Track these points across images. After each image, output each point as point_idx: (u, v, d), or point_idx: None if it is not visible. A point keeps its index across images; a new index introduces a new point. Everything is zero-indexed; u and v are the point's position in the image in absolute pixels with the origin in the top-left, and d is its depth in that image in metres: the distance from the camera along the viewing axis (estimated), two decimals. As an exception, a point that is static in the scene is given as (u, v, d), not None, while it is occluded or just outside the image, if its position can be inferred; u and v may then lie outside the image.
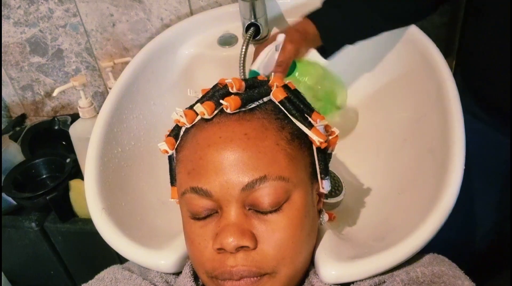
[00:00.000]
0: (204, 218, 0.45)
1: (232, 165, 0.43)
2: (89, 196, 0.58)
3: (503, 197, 0.72)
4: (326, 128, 0.50)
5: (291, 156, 0.46)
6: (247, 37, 0.75)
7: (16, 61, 1.09)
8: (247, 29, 0.78)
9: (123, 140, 0.69)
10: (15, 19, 1.03)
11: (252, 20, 0.78)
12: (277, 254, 0.44)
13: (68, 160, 0.91)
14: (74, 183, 0.88)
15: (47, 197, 0.85)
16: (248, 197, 0.44)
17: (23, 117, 1.14)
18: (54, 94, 0.80)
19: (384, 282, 0.46)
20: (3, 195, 0.90)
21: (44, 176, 0.95)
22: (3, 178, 0.92)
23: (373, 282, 0.46)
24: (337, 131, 0.50)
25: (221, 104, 0.46)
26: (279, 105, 0.48)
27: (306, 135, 0.48)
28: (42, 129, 1.05)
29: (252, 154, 0.44)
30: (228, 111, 0.46)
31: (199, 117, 0.47)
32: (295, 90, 0.51)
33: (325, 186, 0.50)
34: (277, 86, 0.49)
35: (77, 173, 0.91)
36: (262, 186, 0.43)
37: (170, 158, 0.52)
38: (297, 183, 0.46)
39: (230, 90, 0.48)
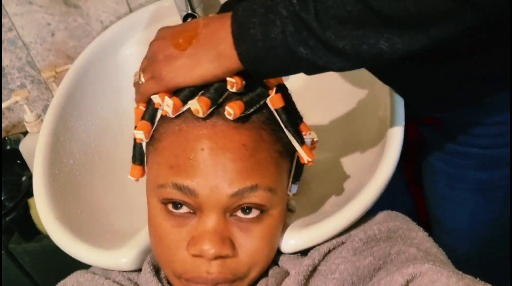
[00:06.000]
0: (179, 216, 0.44)
1: (226, 172, 0.42)
2: (41, 209, 0.57)
3: None
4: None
5: (279, 167, 0.46)
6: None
7: (-43, 85, 1.06)
8: (184, 20, 0.77)
9: (72, 148, 0.68)
10: (-52, 42, 0.99)
11: (189, 11, 0.77)
12: (251, 261, 0.45)
13: (24, 178, 0.89)
14: (33, 201, 0.86)
15: (7, 219, 0.83)
16: (233, 204, 0.43)
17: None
18: (-4, 112, 0.78)
19: (343, 243, 0.48)
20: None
21: (1, 198, 0.92)
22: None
23: (331, 244, 0.48)
24: (315, 137, 0.49)
25: (216, 101, 0.43)
26: (275, 113, 0.46)
27: (294, 147, 0.48)
28: (-7, 151, 1.02)
29: (247, 164, 0.43)
30: (230, 118, 0.43)
31: (185, 108, 0.44)
32: (286, 89, 0.49)
33: (292, 189, 0.51)
34: (275, 91, 0.46)
35: (36, 190, 0.89)
36: (251, 195, 0.43)
37: None
38: (281, 196, 0.46)
39: (230, 89, 0.44)
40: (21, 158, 0.88)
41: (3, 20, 0.96)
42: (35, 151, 0.63)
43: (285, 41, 0.38)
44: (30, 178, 0.88)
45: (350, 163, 0.62)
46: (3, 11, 0.95)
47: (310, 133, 0.48)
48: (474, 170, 0.64)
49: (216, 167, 0.42)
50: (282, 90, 0.48)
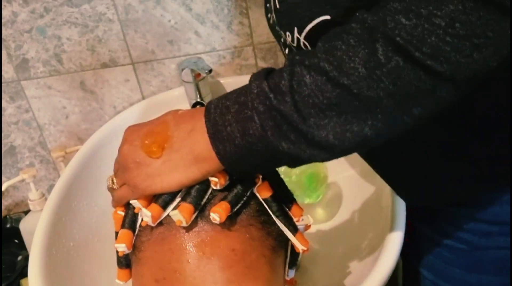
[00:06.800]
0: None
1: (215, 283, 0.40)
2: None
3: None
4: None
5: (273, 265, 0.43)
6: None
7: (-33, 162, 1.08)
8: (193, 107, 0.81)
9: (72, 229, 0.68)
10: (-34, 120, 1.03)
11: (198, 100, 0.81)
12: None
13: (19, 257, 0.87)
14: (26, 282, 0.84)
15: (-4, 301, 0.80)
16: None
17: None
18: (3, 188, 0.79)
19: None
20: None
21: (-6, 278, 0.90)
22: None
23: None
24: (310, 221, 0.46)
25: (199, 204, 0.40)
26: (264, 203, 0.43)
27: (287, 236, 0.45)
28: (-7, 228, 1.01)
29: (238, 270, 0.40)
30: (216, 223, 0.40)
31: (166, 213, 0.41)
32: (273, 172, 0.47)
33: (289, 274, 0.48)
34: (262, 179, 0.43)
35: (30, 271, 0.87)
36: None
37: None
38: None
39: (213, 186, 0.41)
40: (19, 238, 0.87)
41: (20, 102, 1.01)
42: (36, 229, 0.62)
43: (265, 137, 0.36)
44: (26, 258, 0.87)
45: (348, 255, 0.61)
46: (22, 94, 1.00)
47: (303, 219, 0.45)
48: (460, 269, 0.57)
49: (205, 278, 0.39)
50: (270, 173, 0.46)
